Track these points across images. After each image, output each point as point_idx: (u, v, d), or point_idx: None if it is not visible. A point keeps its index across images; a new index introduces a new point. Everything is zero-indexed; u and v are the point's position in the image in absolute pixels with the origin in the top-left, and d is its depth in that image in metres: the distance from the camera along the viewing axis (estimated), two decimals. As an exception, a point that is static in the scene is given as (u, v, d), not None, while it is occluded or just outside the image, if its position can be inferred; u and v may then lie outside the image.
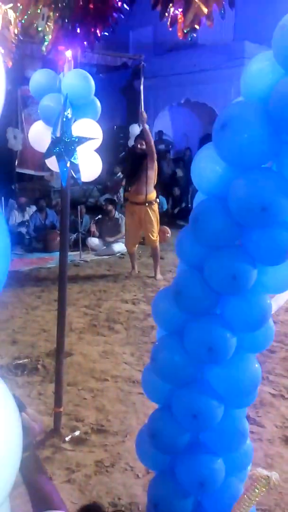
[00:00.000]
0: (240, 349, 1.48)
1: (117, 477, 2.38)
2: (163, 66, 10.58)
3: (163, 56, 11.23)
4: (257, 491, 1.10)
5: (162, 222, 8.67)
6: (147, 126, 5.44)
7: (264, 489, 1.10)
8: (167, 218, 9.34)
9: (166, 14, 1.26)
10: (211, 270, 1.38)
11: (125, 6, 1.38)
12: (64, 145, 1.61)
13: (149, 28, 11.99)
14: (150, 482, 1.70)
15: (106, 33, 1.46)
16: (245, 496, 1.11)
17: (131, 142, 8.09)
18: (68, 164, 1.66)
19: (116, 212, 7.38)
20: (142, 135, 5.57)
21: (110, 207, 7.36)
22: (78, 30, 1.34)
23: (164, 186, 10.85)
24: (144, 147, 5.38)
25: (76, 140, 1.64)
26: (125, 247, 7.12)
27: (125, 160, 6.69)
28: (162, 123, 11.82)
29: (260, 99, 1.25)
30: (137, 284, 5.53)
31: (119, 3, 1.35)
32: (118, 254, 6.90)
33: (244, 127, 1.22)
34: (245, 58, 9.58)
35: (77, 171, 1.67)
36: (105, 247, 7.06)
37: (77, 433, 2.70)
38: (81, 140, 1.64)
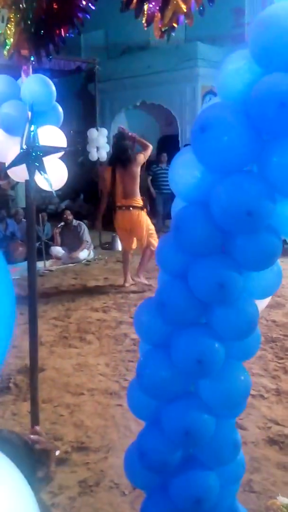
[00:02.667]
0: (229, 358, 1.43)
1: (102, 496, 2.28)
2: (117, 69, 10.54)
3: (116, 59, 11.19)
4: None
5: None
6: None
7: None
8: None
9: (144, 12, 1.19)
10: (196, 279, 1.32)
11: (90, 5, 1.30)
12: (32, 157, 1.51)
13: (100, 31, 11.91)
14: (142, 505, 1.62)
15: (72, 35, 1.38)
16: None
17: (89, 147, 7.98)
18: (37, 175, 1.56)
19: (74, 220, 7.23)
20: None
21: (67, 213, 7.21)
22: (42, 32, 1.25)
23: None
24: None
25: (44, 150, 1.54)
26: (90, 253, 7.01)
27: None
28: (119, 126, 11.76)
29: (238, 99, 1.20)
30: (106, 291, 5.43)
31: (84, 3, 1.27)
32: (83, 261, 6.78)
33: (225, 130, 1.16)
34: (198, 59, 9.69)
35: (47, 181, 1.57)
36: (69, 255, 6.91)
37: (57, 453, 2.58)
38: (49, 151, 1.55)
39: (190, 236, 1.30)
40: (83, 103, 10.93)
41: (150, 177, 8.91)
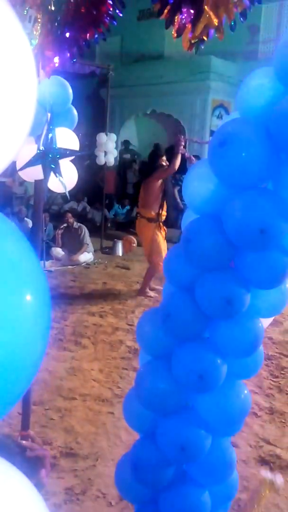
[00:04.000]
0: (230, 375, 1.41)
1: (88, 505, 2.25)
2: (130, 76, 10.60)
3: (130, 66, 11.26)
4: (263, 495, 1.05)
5: (127, 232, 8.61)
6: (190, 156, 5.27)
7: (269, 493, 1.05)
8: (132, 228, 9.28)
9: (175, 22, 1.18)
10: (203, 293, 1.31)
11: (117, 12, 1.29)
12: (50, 158, 1.50)
13: (116, 38, 12.00)
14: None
15: (97, 40, 1.38)
16: (253, 500, 1.06)
17: (98, 152, 7.99)
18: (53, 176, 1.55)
19: (75, 222, 7.22)
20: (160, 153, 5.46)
21: (68, 216, 7.19)
22: (68, 35, 1.24)
23: (129, 195, 10.81)
24: (165, 164, 5.21)
25: (61, 152, 1.53)
26: (90, 257, 6.99)
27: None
28: (128, 132, 11.81)
29: (258, 116, 1.20)
30: (104, 295, 5.41)
31: (111, 9, 1.27)
32: (83, 264, 6.75)
33: (244, 145, 1.16)
34: (210, 72, 9.75)
35: (62, 183, 1.57)
36: (69, 256, 6.88)
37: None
38: (65, 153, 1.54)
39: (200, 249, 1.29)
40: (93, 107, 10.97)
41: (178, 187, 8.29)
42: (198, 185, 1.33)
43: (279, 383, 3.48)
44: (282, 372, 3.67)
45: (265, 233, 1.18)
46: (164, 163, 5.20)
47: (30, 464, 1.10)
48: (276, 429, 2.91)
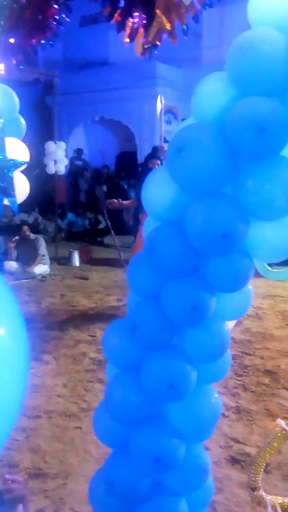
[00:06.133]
0: (200, 381, 1.41)
1: (62, 526, 2.17)
2: (75, 83, 10.54)
3: (75, 73, 11.19)
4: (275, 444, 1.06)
5: (83, 240, 8.53)
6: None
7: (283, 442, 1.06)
8: (87, 237, 9.20)
9: (127, 27, 1.16)
10: (169, 301, 1.29)
11: (64, 17, 1.26)
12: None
13: (58, 45, 11.90)
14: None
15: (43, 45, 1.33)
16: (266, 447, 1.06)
17: (47, 160, 7.86)
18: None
19: (31, 234, 7.06)
20: (157, 155, 5.34)
21: (25, 229, 7.03)
22: (13, 41, 1.19)
23: (82, 204, 10.70)
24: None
25: (12, 164, 1.47)
26: (46, 269, 6.83)
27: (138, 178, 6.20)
28: (77, 140, 11.72)
29: (213, 121, 1.20)
30: (63, 308, 5.30)
31: (57, 13, 1.23)
32: (39, 277, 6.59)
33: (202, 151, 1.16)
34: (156, 78, 9.87)
35: (13, 197, 1.50)
36: (24, 270, 6.69)
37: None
38: (17, 164, 1.48)
39: (163, 257, 1.28)
40: (39, 115, 10.79)
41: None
42: (158, 192, 1.31)
43: (244, 382, 3.54)
44: (246, 370, 3.73)
45: (228, 237, 1.18)
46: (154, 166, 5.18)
47: (6, 506, 1.04)
48: (244, 428, 2.95)
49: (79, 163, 11.06)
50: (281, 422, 1.10)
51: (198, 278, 1.30)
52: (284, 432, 1.09)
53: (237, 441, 2.80)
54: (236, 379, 3.57)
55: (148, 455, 1.38)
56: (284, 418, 3.11)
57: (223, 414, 3.06)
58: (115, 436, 1.48)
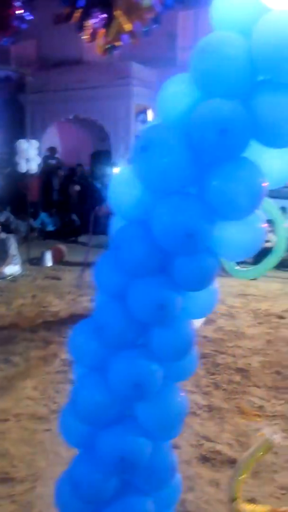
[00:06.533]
0: (167, 379, 1.41)
1: (30, 530, 2.14)
2: (49, 81, 10.42)
3: (49, 71, 11.06)
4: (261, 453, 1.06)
5: (56, 240, 8.40)
6: None
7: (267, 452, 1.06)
8: (60, 237, 9.10)
9: (87, 28, 1.15)
10: (136, 300, 1.29)
11: (26, 15, 1.24)
12: None
13: (32, 42, 11.74)
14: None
15: (6, 43, 1.31)
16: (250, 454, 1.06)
17: (19, 158, 7.75)
18: None
19: (2, 233, 6.94)
20: None
21: None
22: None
23: (55, 203, 10.59)
24: None
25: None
26: (17, 269, 6.72)
27: None
28: (51, 139, 11.59)
29: (178, 121, 1.21)
30: (34, 309, 5.22)
31: (20, 11, 1.21)
32: (9, 278, 6.46)
33: (166, 151, 1.16)
34: (131, 78, 9.87)
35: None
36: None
37: None
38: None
39: (129, 256, 1.27)
40: (10, 113, 10.61)
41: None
42: (124, 191, 1.31)
43: (216, 380, 3.57)
44: (218, 369, 3.77)
45: (192, 237, 1.19)
46: None
47: None
48: (215, 426, 2.97)
49: (53, 161, 10.95)
50: (267, 431, 1.10)
51: (164, 277, 1.30)
52: (268, 442, 1.09)
53: (208, 439, 2.82)
54: (209, 378, 3.59)
55: (113, 454, 1.37)
56: (255, 416, 3.16)
57: (194, 413, 3.08)
58: (81, 437, 1.47)
